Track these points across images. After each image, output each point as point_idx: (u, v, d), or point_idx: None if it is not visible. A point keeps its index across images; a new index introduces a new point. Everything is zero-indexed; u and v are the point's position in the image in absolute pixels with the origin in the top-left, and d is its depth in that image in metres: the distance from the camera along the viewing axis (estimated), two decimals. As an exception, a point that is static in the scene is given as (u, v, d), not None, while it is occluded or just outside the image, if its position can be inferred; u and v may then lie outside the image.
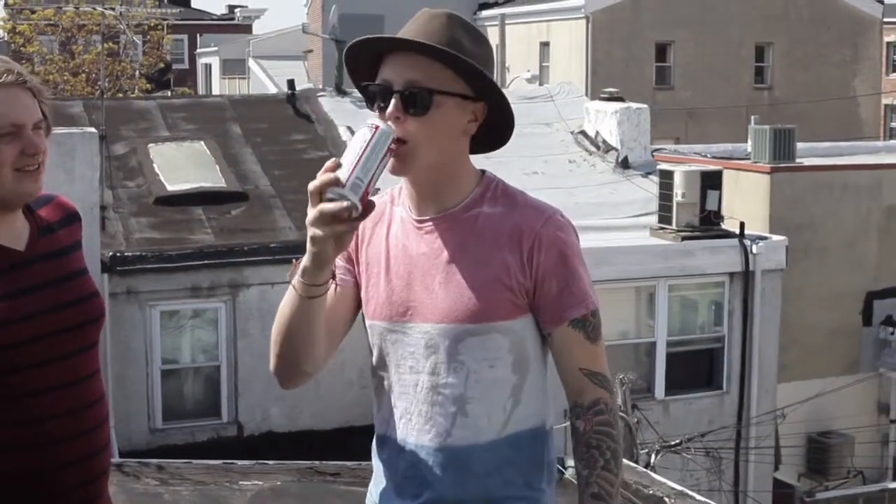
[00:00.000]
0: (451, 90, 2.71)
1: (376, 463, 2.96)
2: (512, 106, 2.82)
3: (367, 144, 2.55)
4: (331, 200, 2.49)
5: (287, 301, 2.74)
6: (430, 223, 2.81)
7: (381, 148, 2.56)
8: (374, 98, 2.76)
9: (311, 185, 2.49)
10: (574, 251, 2.78)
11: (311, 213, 2.49)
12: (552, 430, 2.93)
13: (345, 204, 2.48)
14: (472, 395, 2.75)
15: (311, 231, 2.51)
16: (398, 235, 2.85)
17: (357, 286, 2.91)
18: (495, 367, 2.75)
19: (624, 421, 14.48)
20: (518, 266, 2.72)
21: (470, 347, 2.73)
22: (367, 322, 2.90)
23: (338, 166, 2.51)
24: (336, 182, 2.49)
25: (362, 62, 2.82)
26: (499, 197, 2.81)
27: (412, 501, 2.84)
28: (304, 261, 2.61)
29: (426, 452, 2.80)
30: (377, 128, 2.57)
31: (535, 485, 2.85)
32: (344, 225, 2.49)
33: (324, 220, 2.48)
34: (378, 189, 2.64)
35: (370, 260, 2.88)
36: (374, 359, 2.90)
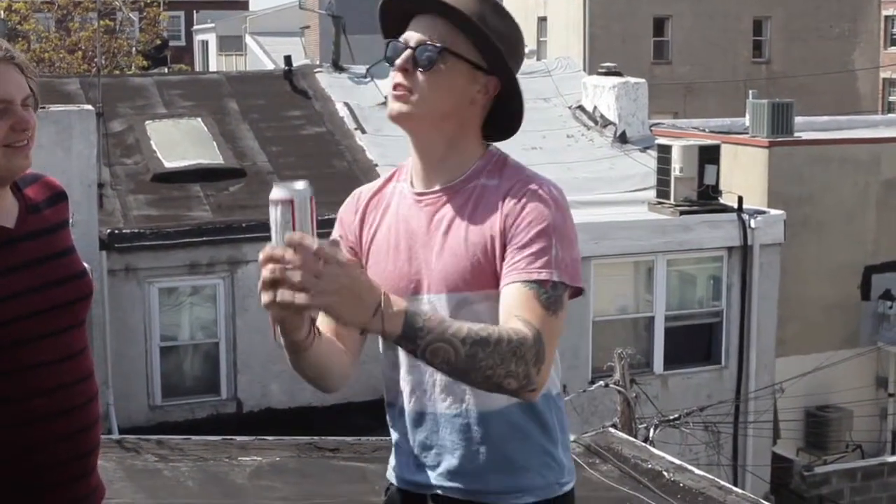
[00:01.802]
0: (462, 53, 2.78)
1: (393, 435, 2.99)
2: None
3: (293, 222, 2.50)
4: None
5: (285, 353, 2.71)
6: (431, 196, 2.86)
7: (307, 217, 2.52)
8: (394, 52, 2.83)
9: (266, 276, 2.44)
10: (549, 221, 2.73)
11: (265, 297, 2.45)
12: (561, 396, 2.94)
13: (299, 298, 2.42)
14: None
15: (272, 313, 2.49)
16: (399, 211, 2.90)
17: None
18: None
19: (622, 395, 14.51)
20: (501, 229, 2.74)
21: (471, 315, 2.71)
22: None
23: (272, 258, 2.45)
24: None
25: (392, 20, 2.90)
26: (497, 169, 2.85)
27: (432, 471, 2.88)
28: (277, 332, 2.61)
29: (443, 421, 2.84)
30: (290, 201, 2.52)
31: (550, 449, 2.87)
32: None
33: (282, 306, 2.44)
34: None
35: (374, 240, 2.93)
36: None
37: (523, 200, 2.75)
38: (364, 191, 3.05)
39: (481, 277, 2.75)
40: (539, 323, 2.63)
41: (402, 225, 2.88)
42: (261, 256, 2.46)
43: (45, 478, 2.88)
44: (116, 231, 15.49)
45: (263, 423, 14.98)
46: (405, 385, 2.88)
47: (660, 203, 17.43)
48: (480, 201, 2.80)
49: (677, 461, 9.17)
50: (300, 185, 2.57)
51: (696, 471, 8.90)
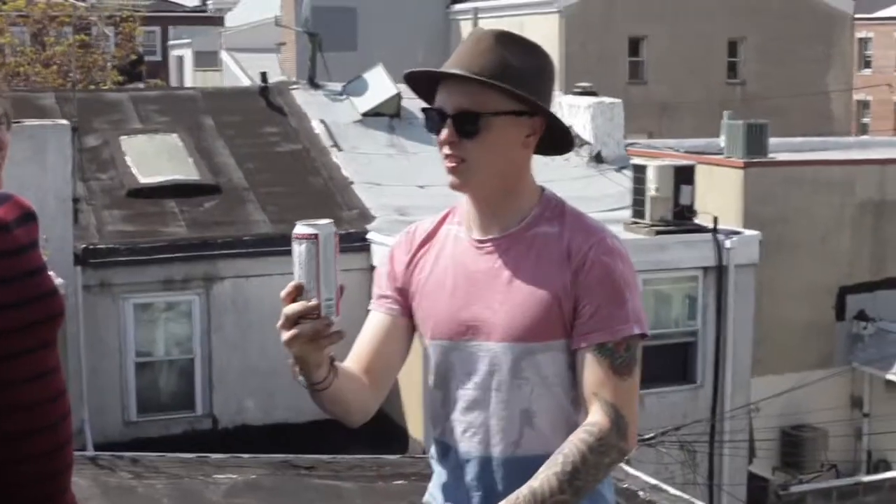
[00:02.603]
0: (501, 109, 2.80)
1: (439, 470, 3.00)
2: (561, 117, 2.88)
3: (317, 258, 2.57)
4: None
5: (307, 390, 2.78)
6: (491, 244, 2.88)
7: (331, 253, 2.58)
8: (433, 122, 2.85)
9: (289, 311, 2.54)
10: (617, 275, 2.79)
11: (287, 335, 2.55)
12: None
13: (323, 323, 2.54)
14: (536, 409, 2.82)
15: (293, 350, 2.59)
16: (455, 254, 2.92)
17: (406, 314, 2.98)
18: (557, 382, 2.81)
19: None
20: (568, 286, 2.77)
21: (532, 364, 2.79)
22: (427, 341, 2.95)
23: (299, 290, 2.56)
24: (314, 310, 2.54)
25: (421, 85, 2.93)
26: (556, 217, 2.90)
27: None
28: (296, 371, 2.68)
29: (495, 464, 2.86)
30: (315, 236, 2.58)
31: (599, 489, 2.88)
32: (325, 339, 2.58)
33: (303, 340, 2.55)
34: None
35: (428, 280, 2.94)
36: (433, 375, 2.94)
37: (590, 254, 2.78)
38: (418, 229, 3.04)
39: (546, 329, 2.78)
40: (615, 396, 2.73)
41: (459, 269, 2.89)
42: (283, 293, 2.55)
43: (19, 497, 2.85)
44: (91, 246, 15.43)
45: (239, 440, 14.92)
46: (458, 425, 2.90)
47: (635, 223, 17.45)
48: (543, 251, 2.83)
49: (653, 480, 9.16)
50: (324, 222, 2.61)
51: (672, 490, 8.90)
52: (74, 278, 14.71)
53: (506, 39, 2.86)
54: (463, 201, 2.95)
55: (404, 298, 2.97)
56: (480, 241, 2.88)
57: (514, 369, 2.80)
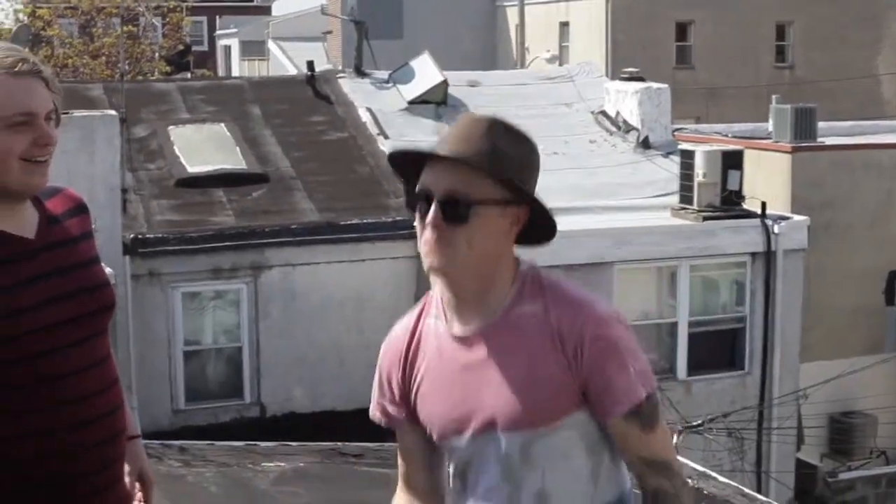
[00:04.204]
0: (489, 197, 2.73)
1: None
2: (545, 207, 2.81)
3: None
4: None
5: None
6: (474, 336, 2.83)
7: None
8: (416, 201, 2.79)
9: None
10: (616, 344, 2.77)
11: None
12: (632, 492, 2.98)
13: None
14: (551, 489, 2.82)
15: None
16: (443, 352, 2.87)
17: (412, 418, 2.96)
18: (570, 458, 2.82)
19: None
20: (565, 366, 2.74)
21: (542, 447, 2.79)
22: (437, 441, 2.94)
23: None
24: None
25: (407, 160, 2.86)
26: (536, 293, 2.82)
27: None
28: None
29: None
30: None
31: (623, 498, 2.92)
32: None
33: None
34: None
35: (421, 385, 2.92)
36: (450, 468, 2.97)
37: (586, 331, 2.74)
38: (398, 337, 2.98)
39: (551, 411, 2.77)
40: (656, 452, 2.81)
41: (447, 365, 2.86)
42: None
43: (75, 488, 2.88)
44: (140, 236, 15.52)
45: (287, 428, 14.98)
46: None
47: (683, 208, 17.38)
48: (530, 332, 2.78)
49: (700, 468, 9.13)
50: None
51: (720, 478, 8.86)
52: (123, 268, 14.80)
53: (500, 126, 2.79)
54: (436, 290, 2.89)
55: (407, 406, 2.95)
56: (462, 338, 2.83)
57: (525, 455, 2.79)
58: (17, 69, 2.81)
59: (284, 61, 45.21)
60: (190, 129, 18.67)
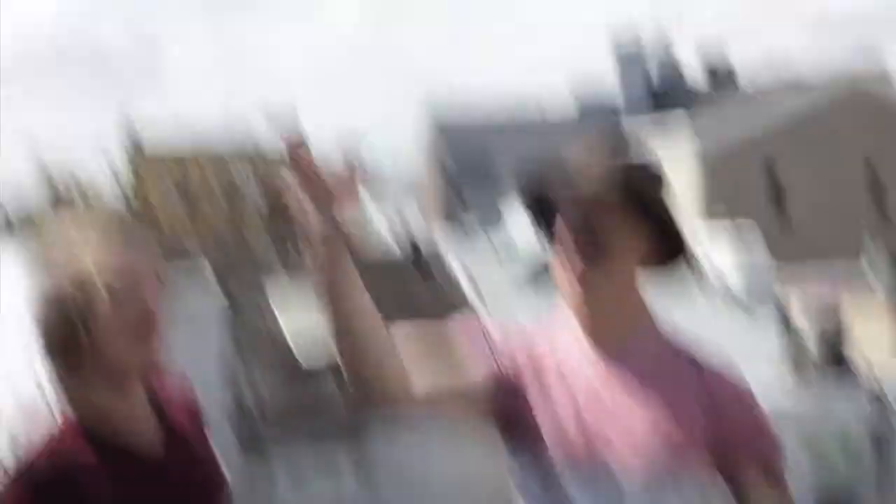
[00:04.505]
0: (628, 229, 2.77)
1: None
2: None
3: None
4: None
5: None
6: (615, 358, 2.80)
7: None
8: (549, 223, 2.85)
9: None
10: (746, 406, 2.76)
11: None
12: None
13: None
14: None
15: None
16: (577, 368, 2.83)
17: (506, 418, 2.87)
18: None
19: None
20: (706, 419, 2.72)
21: (672, 490, 2.71)
22: (540, 455, 2.80)
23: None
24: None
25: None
26: (672, 342, 2.83)
27: None
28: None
29: None
30: None
31: None
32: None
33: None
34: None
35: (544, 390, 2.83)
36: (545, 489, 2.79)
37: (719, 399, 2.74)
38: (533, 335, 2.93)
39: (682, 454, 2.70)
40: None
41: (583, 381, 2.80)
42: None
43: None
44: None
45: None
46: None
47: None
48: (673, 374, 2.77)
49: None
50: None
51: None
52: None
53: (630, 155, 2.79)
54: (566, 313, 2.86)
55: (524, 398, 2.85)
56: (604, 356, 2.80)
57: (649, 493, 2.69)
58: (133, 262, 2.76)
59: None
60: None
